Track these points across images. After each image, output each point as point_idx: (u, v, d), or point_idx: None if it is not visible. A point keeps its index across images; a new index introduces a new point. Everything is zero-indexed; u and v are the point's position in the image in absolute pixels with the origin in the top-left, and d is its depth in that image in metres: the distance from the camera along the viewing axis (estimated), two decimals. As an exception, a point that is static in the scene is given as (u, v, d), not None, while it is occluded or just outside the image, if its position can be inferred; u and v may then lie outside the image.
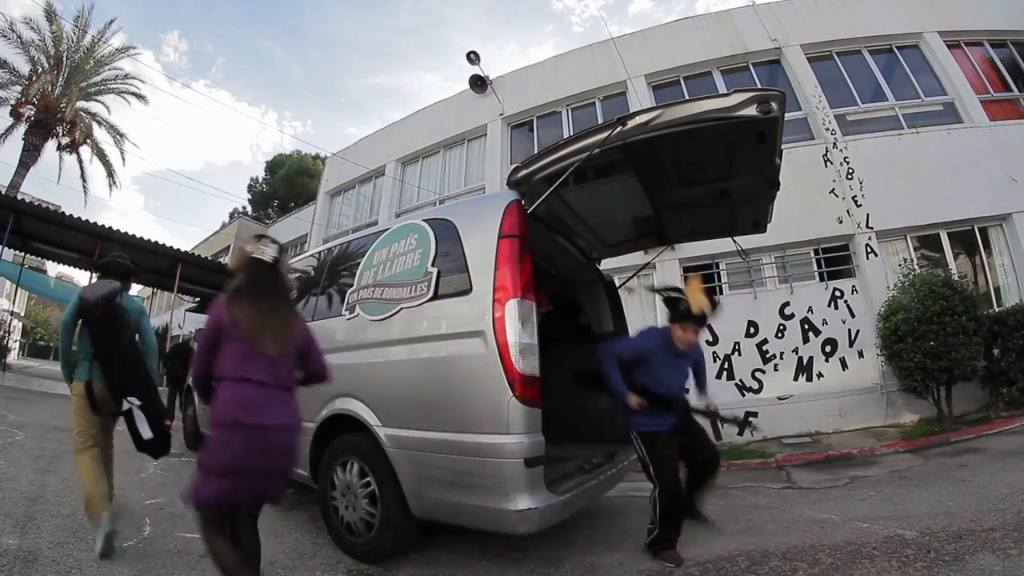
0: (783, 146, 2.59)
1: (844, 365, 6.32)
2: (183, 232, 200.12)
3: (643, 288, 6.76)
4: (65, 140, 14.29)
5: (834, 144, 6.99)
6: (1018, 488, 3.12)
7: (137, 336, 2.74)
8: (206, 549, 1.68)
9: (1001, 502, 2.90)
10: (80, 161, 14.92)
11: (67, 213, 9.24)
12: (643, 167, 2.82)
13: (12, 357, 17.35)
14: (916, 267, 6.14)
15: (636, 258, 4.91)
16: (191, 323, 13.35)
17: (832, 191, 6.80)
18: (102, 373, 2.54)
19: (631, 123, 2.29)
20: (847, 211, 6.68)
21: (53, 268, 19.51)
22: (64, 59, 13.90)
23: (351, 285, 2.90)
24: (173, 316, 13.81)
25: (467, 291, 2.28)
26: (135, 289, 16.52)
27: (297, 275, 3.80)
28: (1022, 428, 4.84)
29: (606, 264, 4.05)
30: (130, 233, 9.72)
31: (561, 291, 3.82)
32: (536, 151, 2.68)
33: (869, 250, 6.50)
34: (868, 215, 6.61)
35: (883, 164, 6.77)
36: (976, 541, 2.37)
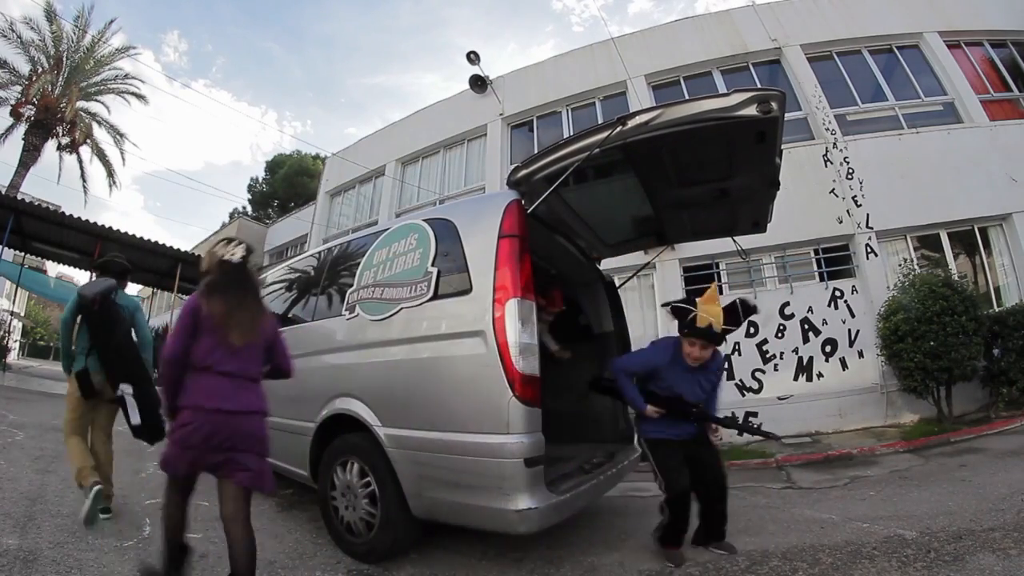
0: (783, 146, 2.59)
1: (844, 365, 6.32)
2: (183, 232, 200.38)
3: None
4: (65, 140, 14.28)
5: (834, 144, 6.99)
6: (1018, 488, 3.12)
7: (133, 331, 2.95)
8: (163, 506, 1.91)
9: (1001, 502, 2.90)
10: (80, 161, 14.93)
11: (67, 213, 9.23)
12: (643, 167, 2.82)
13: (12, 357, 17.34)
14: (916, 267, 6.14)
15: (636, 258, 4.91)
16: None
17: (832, 191, 6.80)
18: (100, 364, 2.77)
19: (631, 123, 2.29)
20: (847, 211, 6.68)
21: (53, 268, 19.51)
22: (64, 59, 13.89)
23: (351, 285, 2.90)
24: (173, 316, 13.80)
25: (467, 291, 2.28)
26: (135, 289, 16.54)
27: (296, 275, 3.81)
28: (1022, 428, 4.84)
29: (606, 264, 4.05)
30: (130, 233, 9.72)
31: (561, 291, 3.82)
32: (536, 151, 2.68)
33: (869, 250, 6.50)
34: (868, 215, 6.61)
35: (883, 164, 6.77)
36: (976, 541, 2.37)
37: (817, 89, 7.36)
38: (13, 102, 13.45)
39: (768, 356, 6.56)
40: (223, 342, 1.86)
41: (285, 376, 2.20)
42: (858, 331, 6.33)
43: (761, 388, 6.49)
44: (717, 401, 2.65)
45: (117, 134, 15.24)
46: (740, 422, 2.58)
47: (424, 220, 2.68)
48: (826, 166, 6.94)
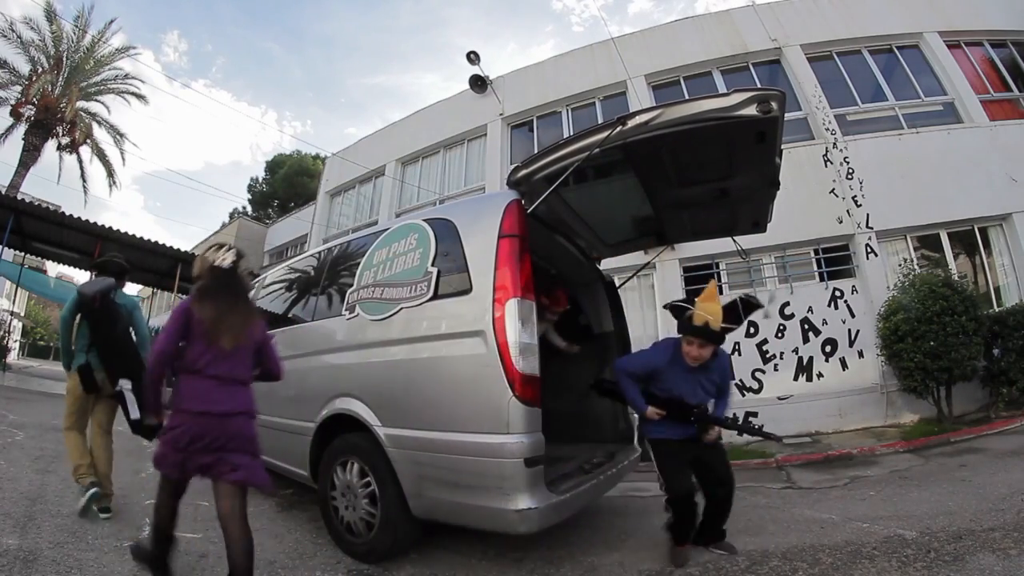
0: (783, 146, 2.59)
1: (844, 365, 6.33)
2: (183, 232, 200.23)
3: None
4: (65, 140, 14.27)
5: (834, 144, 6.99)
6: (1018, 488, 3.12)
7: (132, 328, 3.02)
8: (155, 502, 2.00)
9: (1001, 502, 2.90)
10: (80, 161, 14.92)
11: (67, 213, 9.24)
12: (643, 167, 2.81)
13: (12, 357, 17.34)
14: (916, 267, 6.14)
15: (636, 258, 4.91)
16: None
17: (832, 191, 6.81)
18: (100, 360, 2.83)
19: (631, 123, 2.28)
20: (847, 211, 6.68)
21: (53, 268, 19.50)
22: (64, 59, 13.89)
23: (351, 285, 2.90)
24: (173, 316, 13.76)
25: (467, 291, 2.28)
26: (135, 288, 16.54)
27: (296, 275, 3.81)
28: (1022, 428, 4.84)
29: (606, 264, 4.05)
30: (130, 233, 9.72)
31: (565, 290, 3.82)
32: (536, 151, 2.68)
33: (869, 250, 6.50)
34: (868, 215, 6.62)
35: (883, 164, 6.77)
36: (976, 541, 2.37)
37: (817, 89, 7.37)
38: (13, 102, 13.45)
39: (768, 356, 6.56)
40: (213, 346, 1.92)
41: (275, 379, 2.25)
42: (858, 331, 6.33)
43: (761, 388, 6.49)
44: (727, 403, 2.55)
45: (117, 134, 15.26)
46: (740, 423, 2.52)
47: (424, 220, 2.68)
48: (826, 166, 6.94)
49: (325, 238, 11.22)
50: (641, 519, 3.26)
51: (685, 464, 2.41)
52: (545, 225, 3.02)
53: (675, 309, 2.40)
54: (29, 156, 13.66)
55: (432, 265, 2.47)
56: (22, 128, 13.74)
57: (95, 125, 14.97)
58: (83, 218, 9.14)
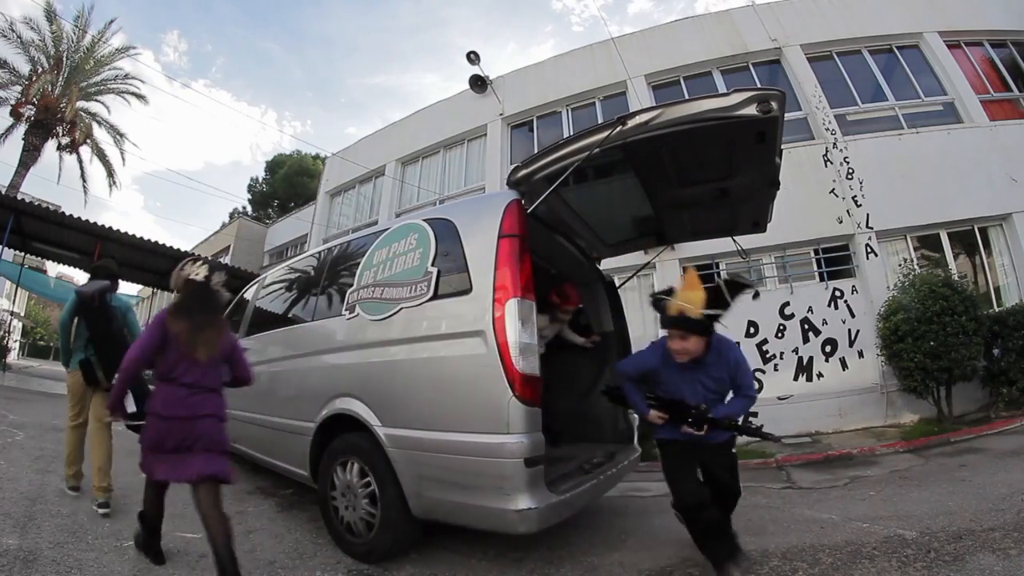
0: (783, 146, 2.59)
1: (844, 365, 6.33)
2: (183, 232, 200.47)
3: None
4: (65, 140, 14.27)
5: (834, 144, 6.99)
6: (1018, 488, 3.12)
7: (126, 329, 3.15)
8: (143, 499, 2.21)
9: (1001, 502, 2.90)
10: (80, 161, 14.92)
11: (67, 213, 9.22)
12: (643, 167, 2.81)
13: (12, 357, 17.33)
14: (916, 267, 6.14)
15: (636, 258, 4.91)
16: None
17: (832, 191, 6.81)
18: (97, 356, 2.97)
19: (631, 123, 2.28)
20: (847, 211, 6.68)
21: (53, 268, 19.49)
22: (64, 59, 13.88)
23: (351, 285, 2.90)
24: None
25: (467, 291, 2.28)
26: (135, 288, 16.56)
27: (296, 275, 3.81)
28: (1022, 428, 4.84)
29: (606, 264, 4.05)
30: (130, 233, 9.71)
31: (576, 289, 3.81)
32: (536, 151, 2.68)
33: (869, 250, 6.50)
34: (868, 215, 6.62)
35: (883, 164, 6.77)
36: (976, 541, 2.37)
37: (817, 89, 7.37)
38: (13, 102, 13.45)
39: (768, 356, 6.56)
40: (186, 357, 2.09)
41: (245, 384, 2.42)
42: (858, 331, 6.33)
43: (761, 388, 6.47)
44: (743, 402, 2.26)
45: (117, 134, 15.25)
46: (739, 423, 2.31)
47: (424, 220, 2.68)
48: (826, 166, 6.94)
49: (325, 238, 11.22)
50: (641, 519, 3.26)
51: (694, 469, 2.23)
52: (545, 225, 3.02)
53: (655, 303, 2.25)
54: (29, 156, 13.66)
55: (432, 265, 2.47)
56: (22, 128, 13.75)
57: (95, 125, 14.98)
58: (83, 218, 9.13)
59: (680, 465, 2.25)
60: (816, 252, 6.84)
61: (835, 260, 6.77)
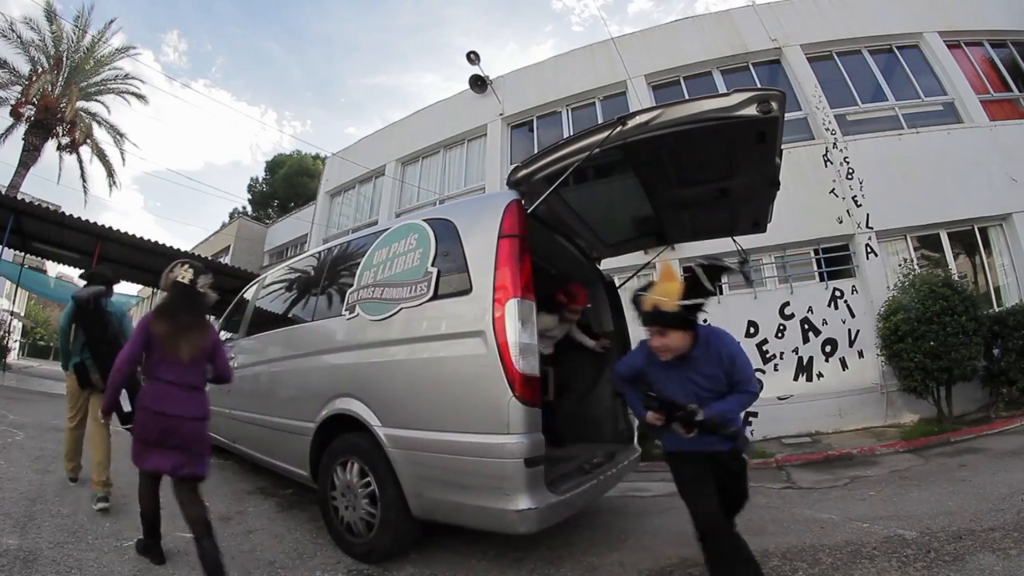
0: (783, 146, 2.59)
1: (844, 365, 6.33)
2: (183, 232, 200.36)
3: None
4: (65, 140, 14.27)
5: (834, 144, 6.99)
6: (1018, 488, 3.12)
7: (120, 333, 3.23)
8: (138, 495, 2.29)
9: (1001, 502, 2.90)
10: (80, 161, 14.91)
11: (67, 213, 9.22)
12: (643, 167, 2.82)
13: (12, 357, 17.33)
14: (916, 267, 6.14)
15: (636, 258, 4.90)
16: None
17: (832, 191, 6.81)
18: (92, 358, 3.08)
19: (631, 123, 2.28)
20: (847, 211, 6.68)
21: (53, 268, 19.47)
22: (64, 59, 13.88)
23: (351, 285, 2.90)
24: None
25: (467, 291, 2.28)
26: (135, 288, 16.55)
27: (296, 275, 3.81)
28: (1022, 428, 4.84)
29: (606, 264, 4.05)
30: (130, 233, 9.70)
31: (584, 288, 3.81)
32: (536, 151, 2.68)
33: (869, 250, 6.50)
34: (868, 215, 6.62)
35: (883, 164, 6.77)
36: (976, 541, 2.37)
37: (817, 89, 7.37)
38: (13, 102, 13.45)
39: (768, 356, 6.56)
40: (169, 356, 2.21)
41: (226, 382, 2.53)
42: (858, 331, 6.33)
43: (761, 388, 6.46)
44: (740, 399, 1.98)
45: (117, 134, 15.24)
46: (719, 424, 1.93)
47: (424, 220, 2.68)
48: (826, 166, 6.94)
49: (325, 238, 11.22)
50: (641, 519, 3.26)
51: (710, 484, 1.95)
52: (545, 225, 3.02)
53: (633, 299, 2.06)
54: (29, 156, 13.66)
55: (432, 265, 2.47)
56: (22, 128, 13.74)
57: (95, 125, 14.97)
58: (83, 218, 9.12)
59: (695, 481, 1.97)
60: (816, 252, 6.84)
61: (835, 260, 6.77)
